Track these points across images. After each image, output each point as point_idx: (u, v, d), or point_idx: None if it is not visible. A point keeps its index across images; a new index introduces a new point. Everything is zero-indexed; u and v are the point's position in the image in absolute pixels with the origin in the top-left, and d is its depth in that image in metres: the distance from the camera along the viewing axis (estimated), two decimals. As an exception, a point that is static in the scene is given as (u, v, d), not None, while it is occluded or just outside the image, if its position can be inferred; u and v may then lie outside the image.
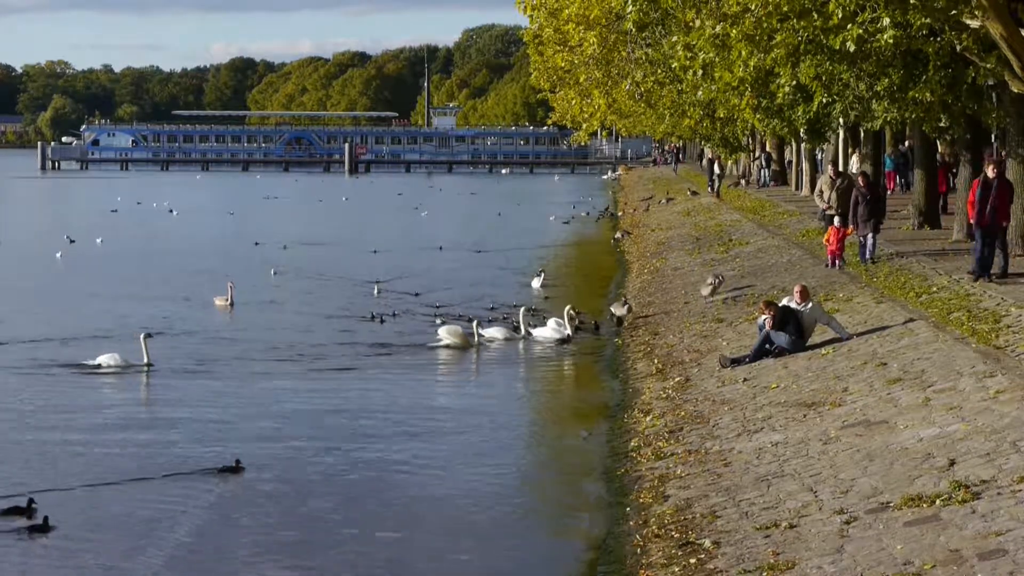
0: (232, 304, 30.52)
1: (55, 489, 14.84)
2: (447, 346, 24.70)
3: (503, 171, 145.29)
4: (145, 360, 22.34)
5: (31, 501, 13.67)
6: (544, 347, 25.20)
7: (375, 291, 33.15)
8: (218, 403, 20.14)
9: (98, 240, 49.88)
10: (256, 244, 48.34)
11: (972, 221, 22.50)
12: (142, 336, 22.74)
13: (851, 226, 26.77)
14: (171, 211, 69.93)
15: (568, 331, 25.36)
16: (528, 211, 71.10)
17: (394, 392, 21.17)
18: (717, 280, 27.40)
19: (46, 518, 13.21)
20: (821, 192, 29.77)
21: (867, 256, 26.27)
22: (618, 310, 27.28)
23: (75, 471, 15.75)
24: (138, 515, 14.04)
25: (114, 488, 15.06)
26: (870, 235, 26.35)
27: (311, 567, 12.62)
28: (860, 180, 27.58)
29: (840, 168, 30.37)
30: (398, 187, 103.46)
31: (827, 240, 27.40)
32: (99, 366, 22.25)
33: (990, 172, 22.34)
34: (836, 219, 27.56)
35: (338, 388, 21.51)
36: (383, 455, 16.98)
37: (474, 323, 25.57)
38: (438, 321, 27.04)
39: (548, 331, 25.54)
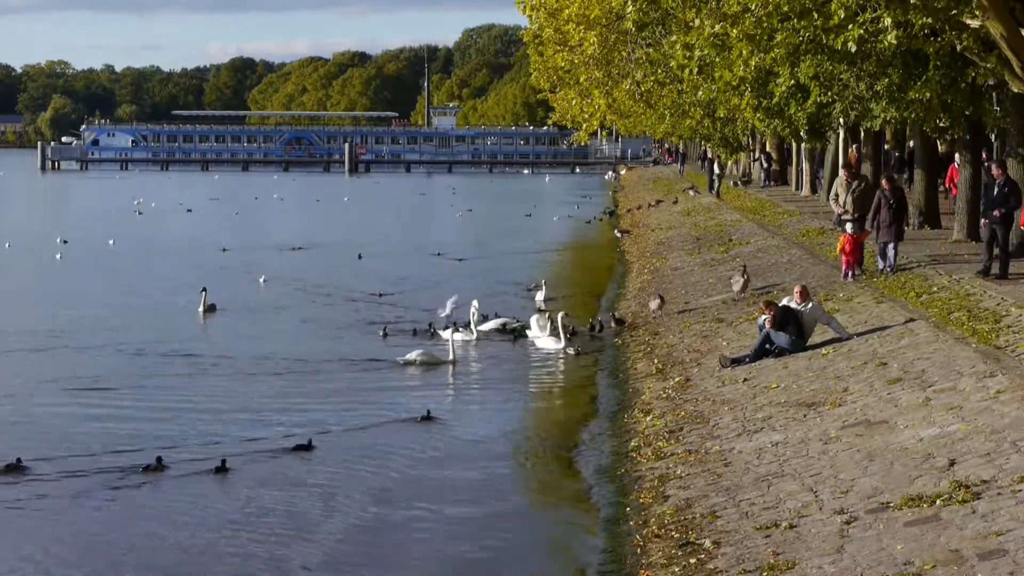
0: (206, 311, 30.04)
1: (323, 431, 18.47)
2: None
3: (524, 171, 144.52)
4: (451, 357, 23.73)
5: (310, 440, 17.50)
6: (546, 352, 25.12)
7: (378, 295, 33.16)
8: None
9: (110, 241, 49.46)
10: (224, 250, 46.54)
11: None
12: (450, 332, 24.32)
13: (868, 229, 25.10)
14: (188, 210, 70.80)
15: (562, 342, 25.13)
16: (537, 212, 70.91)
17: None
18: (746, 275, 26.62)
19: (310, 440, 17.62)
20: (836, 195, 26.40)
21: (887, 267, 24.74)
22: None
23: (344, 421, 19.37)
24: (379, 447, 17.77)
25: (364, 430, 18.78)
26: (891, 243, 24.67)
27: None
28: (884, 183, 25.56)
29: (856, 170, 28.28)
30: (399, 187, 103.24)
31: (841, 249, 25.34)
32: (413, 361, 23.55)
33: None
34: (849, 225, 25.19)
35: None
36: (405, 451, 17.17)
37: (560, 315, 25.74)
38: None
39: (549, 340, 25.29)
